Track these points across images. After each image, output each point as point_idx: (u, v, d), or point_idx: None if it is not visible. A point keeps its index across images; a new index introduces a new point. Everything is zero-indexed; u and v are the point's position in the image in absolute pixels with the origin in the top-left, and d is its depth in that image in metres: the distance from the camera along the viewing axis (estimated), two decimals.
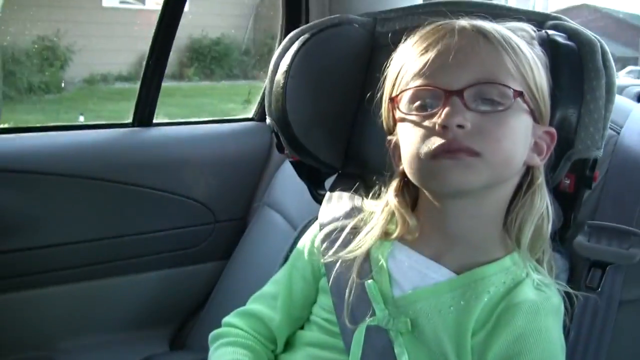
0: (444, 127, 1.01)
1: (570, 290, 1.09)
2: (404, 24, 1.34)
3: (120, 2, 8.08)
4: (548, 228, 1.09)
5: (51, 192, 1.85)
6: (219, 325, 1.27)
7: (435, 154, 1.02)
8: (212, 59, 8.33)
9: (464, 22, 1.08)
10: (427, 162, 1.04)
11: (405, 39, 1.15)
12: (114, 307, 2.04)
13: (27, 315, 1.90)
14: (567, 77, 1.13)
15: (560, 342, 1.06)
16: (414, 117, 1.07)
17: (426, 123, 1.05)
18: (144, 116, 2.01)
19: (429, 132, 1.04)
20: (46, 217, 1.86)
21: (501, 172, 1.05)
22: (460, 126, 1.01)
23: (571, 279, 1.18)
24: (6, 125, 1.98)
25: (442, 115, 1.02)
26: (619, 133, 1.30)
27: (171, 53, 1.95)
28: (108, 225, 1.95)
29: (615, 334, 1.16)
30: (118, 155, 1.95)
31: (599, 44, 1.15)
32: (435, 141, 1.02)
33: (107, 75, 7.55)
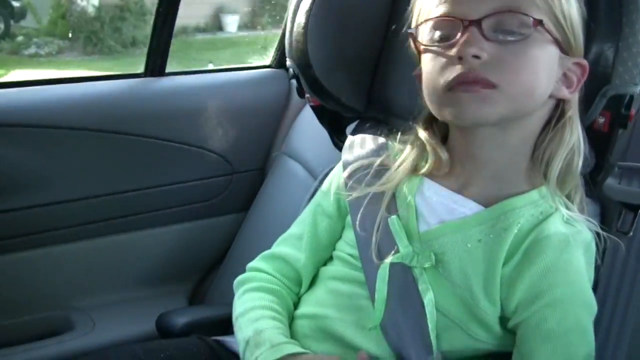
0: (460, 57, 1.00)
1: (600, 231, 1.07)
2: None
3: None
4: (579, 163, 1.07)
5: (63, 147, 1.81)
6: (235, 280, 1.27)
7: (451, 86, 1.02)
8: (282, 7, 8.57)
9: None
10: (444, 93, 1.03)
11: None
12: (130, 263, 2.02)
13: (42, 274, 1.88)
14: (604, 10, 1.10)
15: (589, 275, 1.05)
16: (433, 48, 1.06)
17: (445, 53, 1.03)
18: (155, 66, 1.96)
19: (447, 63, 1.02)
20: (58, 172, 1.83)
21: (521, 104, 1.03)
22: (476, 56, 0.99)
23: (602, 223, 1.14)
24: (12, 79, 1.93)
25: (458, 46, 1.00)
26: None
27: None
28: (122, 179, 1.93)
29: None
30: (130, 107, 1.92)
31: None
32: (452, 72, 1.01)
33: (187, 27, 7.74)
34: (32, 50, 6.97)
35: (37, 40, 7.00)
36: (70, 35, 6.79)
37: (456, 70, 1.00)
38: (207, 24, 7.89)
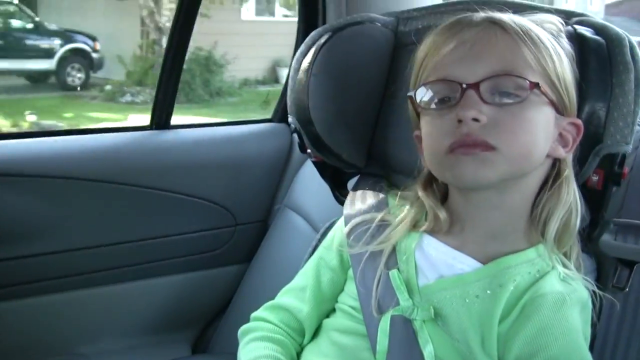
0: (460, 121, 1.01)
1: (596, 289, 1.08)
2: (426, 22, 1.34)
3: (256, 15, 9.76)
4: (577, 222, 1.09)
5: (70, 197, 1.84)
6: (239, 329, 1.27)
7: (452, 149, 1.03)
8: None
9: (481, 15, 1.08)
10: (445, 156, 1.04)
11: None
12: (134, 312, 2.03)
13: (47, 321, 1.89)
14: (595, 70, 1.12)
15: (585, 334, 1.05)
16: (432, 111, 1.08)
17: (444, 117, 1.05)
18: (161, 119, 2.00)
19: (446, 126, 1.04)
20: (65, 221, 1.85)
21: (520, 166, 1.04)
22: (475, 120, 1.00)
23: (598, 279, 1.17)
24: (23, 130, 1.96)
25: (458, 109, 1.02)
26: None
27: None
28: (128, 229, 1.95)
29: None
30: (136, 159, 1.95)
31: (627, 38, 1.14)
32: (452, 135, 1.03)
33: (248, 79, 8.84)
34: (128, 98, 7.89)
35: (128, 89, 7.95)
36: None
37: (456, 133, 1.02)
38: (264, 77, 9.01)
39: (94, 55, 8.48)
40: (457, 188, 1.11)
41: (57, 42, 8.41)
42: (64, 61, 8.35)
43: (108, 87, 8.33)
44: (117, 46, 8.59)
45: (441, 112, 1.06)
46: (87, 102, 7.96)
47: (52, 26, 8.58)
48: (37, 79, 8.55)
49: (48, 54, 8.35)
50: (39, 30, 8.53)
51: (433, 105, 1.08)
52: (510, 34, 1.04)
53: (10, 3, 8.56)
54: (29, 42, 8.38)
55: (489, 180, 1.03)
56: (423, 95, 1.09)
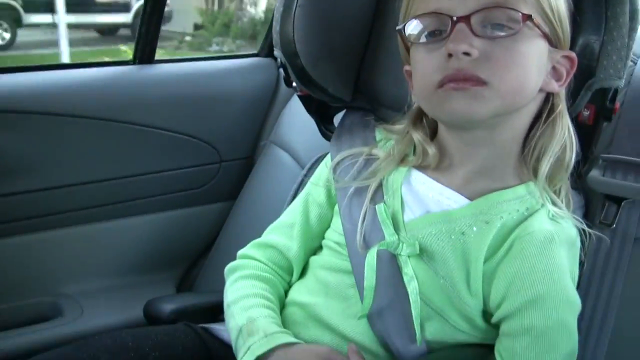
0: (450, 55, 0.99)
1: (586, 228, 1.08)
2: None
3: None
4: (572, 158, 1.07)
5: (51, 133, 1.81)
6: (226, 267, 1.26)
7: (441, 84, 1.00)
8: None
9: None
10: (434, 91, 1.02)
11: None
12: (118, 251, 2.03)
13: (30, 260, 1.88)
14: (589, 2, 1.09)
15: (572, 274, 1.05)
16: (422, 45, 1.05)
17: (434, 51, 1.02)
18: (144, 53, 1.96)
19: (437, 61, 1.01)
20: (46, 158, 1.82)
21: (512, 101, 1.02)
22: (466, 54, 0.98)
23: (586, 215, 1.16)
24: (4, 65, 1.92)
25: (448, 43, 0.99)
26: (635, 63, 1.26)
27: None
28: (110, 166, 1.93)
29: (630, 269, 1.14)
30: (119, 94, 1.91)
31: None
32: (442, 70, 1.00)
33: None
34: (215, 47, 8.66)
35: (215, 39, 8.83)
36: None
37: (447, 68, 0.99)
38: None
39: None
40: (446, 124, 1.10)
41: None
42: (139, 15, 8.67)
43: (187, 38, 9.12)
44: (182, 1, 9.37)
45: (431, 46, 1.03)
46: (173, 51, 8.32)
47: None
48: (108, 32, 9.46)
49: (126, 7, 9.12)
50: None
51: (423, 39, 1.05)
52: None
53: None
54: None
55: (480, 116, 1.01)
56: (412, 28, 1.06)
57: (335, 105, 1.43)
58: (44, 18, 8.60)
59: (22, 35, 8.58)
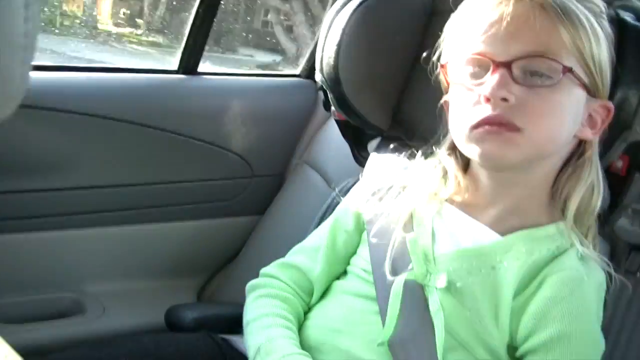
0: (488, 99, 1.00)
1: (612, 270, 1.08)
2: None
3: None
4: (597, 203, 1.08)
5: (90, 133, 1.83)
6: (248, 280, 1.27)
7: (477, 125, 1.02)
8: None
9: None
10: (470, 131, 1.03)
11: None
12: (144, 254, 2.04)
13: (57, 256, 1.90)
14: (631, 56, 1.11)
15: (598, 316, 1.05)
16: (462, 85, 1.07)
17: (473, 91, 1.04)
18: (189, 64, 1.99)
19: (475, 102, 1.03)
20: (83, 158, 1.85)
21: (543, 148, 1.04)
22: (504, 99, 0.99)
23: (611, 261, 1.14)
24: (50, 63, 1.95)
25: (488, 87, 1.00)
26: None
27: None
28: (143, 171, 1.95)
29: None
30: (160, 102, 1.94)
31: None
32: (479, 112, 1.02)
33: None
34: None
35: None
36: None
37: (484, 110, 1.01)
38: None
39: None
40: (479, 164, 1.10)
41: None
42: None
43: None
44: None
45: (470, 87, 1.05)
46: None
47: None
48: None
49: None
50: None
51: (464, 79, 1.06)
52: (549, 12, 1.01)
53: None
54: None
55: (512, 161, 1.03)
56: (455, 67, 1.08)
57: (371, 133, 1.44)
58: None
59: None
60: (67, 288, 1.92)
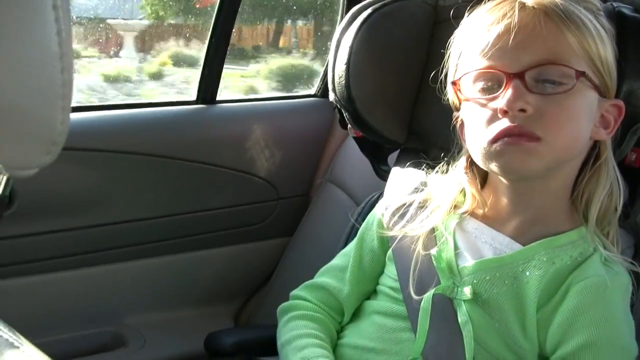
0: (505, 111, 1.01)
1: (638, 269, 1.08)
2: None
3: None
4: (619, 203, 1.08)
5: (119, 170, 1.87)
6: (283, 301, 1.29)
7: (496, 139, 1.02)
8: None
9: None
10: (489, 145, 1.03)
11: (468, 15, 1.13)
12: (179, 284, 2.07)
13: (96, 291, 1.94)
14: (633, 49, 1.11)
15: (627, 320, 1.04)
16: (476, 100, 1.07)
17: (488, 105, 1.04)
18: (207, 94, 2.03)
19: (491, 116, 1.03)
20: (114, 194, 1.89)
21: (565, 154, 1.04)
22: (522, 110, 1.00)
23: (635, 255, 1.16)
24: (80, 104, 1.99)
25: (504, 100, 1.01)
26: None
27: None
28: (174, 202, 1.98)
29: None
30: (183, 133, 1.98)
31: None
32: (497, 125, 1.02)
33: None
34: None
35: None
36: None
37: (501, 123, 1.01)
38: None
39: None
40: (500, 176, 1.10)
41: None
42: None
43: None
44: None
45: (485, 101, 1.05)
46: None
47: None
48: None
49: None
50: None
51: (476, 95, 1.07)
52: (555, 20, 1.02)
53: None
54: None
55: (535, 170, 1.03)
56: (466, 83, 1.09)
57: (389, 147, 1.45)
58: None
59: None
60: (108, 322, 1.96)
